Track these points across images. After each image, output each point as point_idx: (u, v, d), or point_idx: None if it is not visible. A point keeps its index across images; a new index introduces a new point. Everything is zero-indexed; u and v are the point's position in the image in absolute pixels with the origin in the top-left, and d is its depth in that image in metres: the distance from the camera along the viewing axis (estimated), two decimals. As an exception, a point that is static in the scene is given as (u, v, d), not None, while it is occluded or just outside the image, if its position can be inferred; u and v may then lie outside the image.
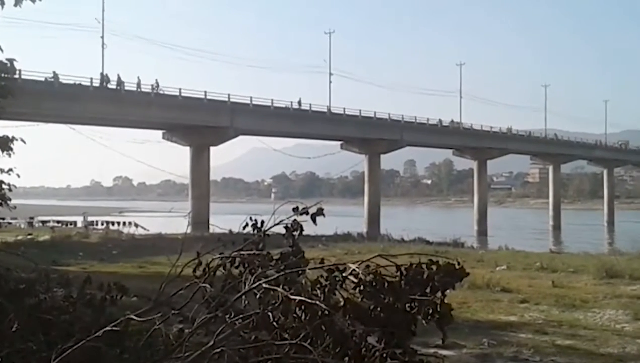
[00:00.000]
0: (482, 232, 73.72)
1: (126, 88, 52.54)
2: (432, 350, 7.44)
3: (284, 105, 63.85)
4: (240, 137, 62.32)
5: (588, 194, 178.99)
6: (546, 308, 12.19)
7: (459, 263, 3.78)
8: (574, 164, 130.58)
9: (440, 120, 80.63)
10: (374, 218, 67.72)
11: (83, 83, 50.50)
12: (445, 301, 3.60)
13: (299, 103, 65.65)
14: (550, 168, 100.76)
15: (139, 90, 53.46)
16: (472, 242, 41.06)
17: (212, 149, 59.17)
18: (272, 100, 62.47)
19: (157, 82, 54.90)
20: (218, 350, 3.37)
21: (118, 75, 52.79)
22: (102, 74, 52.14)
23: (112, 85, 51.93)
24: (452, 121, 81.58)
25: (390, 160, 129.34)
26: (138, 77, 53.90)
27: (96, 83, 51.15)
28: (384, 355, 3.22)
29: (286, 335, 3.45)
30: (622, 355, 8.61)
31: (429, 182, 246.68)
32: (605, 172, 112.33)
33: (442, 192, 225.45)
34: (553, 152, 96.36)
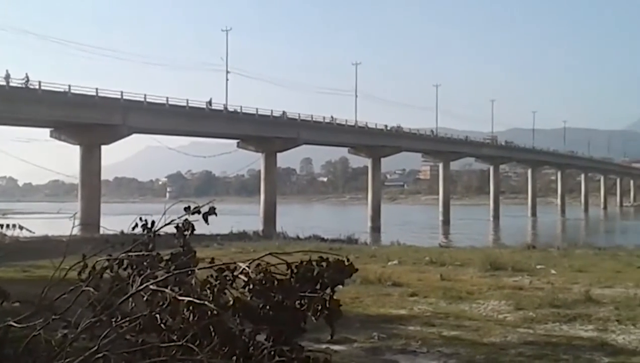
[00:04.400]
0: (376, 228, 75.31)
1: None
2: (324, 346, 7.58)
3: (180, 103, 62.79)
4: (134, 136, 60.94)
5: (475, 190, 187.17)
6: (434, 301, 12.62)
7: (348, 260, 3.86)
8: (463, 161, 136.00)
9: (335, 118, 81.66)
10: (270, 217, 67.83)
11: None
12: (335, 297, 3.68)
13: (210, 103, 65.08)
14: (441, 165, 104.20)
15: (8, 85, 50.56)
16: (366, 238, 41.82)
17: (103, 147, 57.38)
18: (167, 98, 61.37)
19: (27, 76, 51.88)
20: (101, 354, 3.31)
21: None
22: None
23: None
24: (332, 118, 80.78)
25: (287, 158, 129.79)
26: (7, 71, 51.10)
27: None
28: (272, 352, 3.27)
29: (174, 337, 3.43)
30: (503, 344, 9.05)
31: (325, 179, 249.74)
32: (491, 168, 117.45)
33: (338, 190, 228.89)
34: (443, 149, 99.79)
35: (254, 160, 79.76)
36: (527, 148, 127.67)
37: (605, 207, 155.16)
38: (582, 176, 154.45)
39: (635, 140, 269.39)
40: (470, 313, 11.52)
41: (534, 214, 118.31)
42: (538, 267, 18.41)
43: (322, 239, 34.76)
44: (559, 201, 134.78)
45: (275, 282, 3.63)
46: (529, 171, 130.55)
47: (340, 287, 3.80)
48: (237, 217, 57.56)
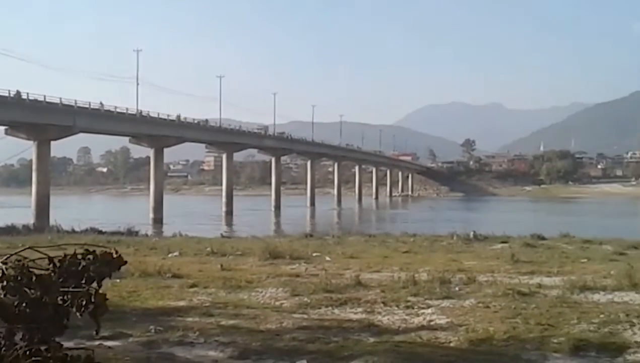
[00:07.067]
0: (158, 220, 74.04)
1: None
2: (97, 342, 7.31)
3: None
4: None
5: (258, 181, 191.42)
6: (214, 291, 12.64)
7: (116, 252, 3.77)
8: (247, 152, 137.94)
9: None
10: (42, 209, 63.65)
11: None
12: (107, 290, 3.57)
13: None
14: (224, 156, 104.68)
15: None
16: (147, 230, 40.83)
17: None
18: None
19: None
20: None
21: None
22: None
23: None
24: (101, 104, 76.45)
25: (63, 147, 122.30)
26: None
27: None
28: (27, 352, 3.08)
29: None
30: (279, 330, 9.33)
31: (105, 170, 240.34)
32: (273, 160, 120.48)
33: (119, 180, 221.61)
34: (226, 140, 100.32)
35: (25, 149, 74.23)
36: (307, 140, 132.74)
37: (376, 197, 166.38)
38: (357, 168, 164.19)
39: (402, 135, 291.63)
40: (248, 301, 11.70)
41: (312, 204, 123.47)
42: (314, 254, 19.19)
43: (100, 232, 33.19)
44: (335, 191, 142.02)
45: (34, 278, 3.43)
46: (309, 163, 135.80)
47: (117, 280, 3.70)
48: (5, 210, 53.35)
